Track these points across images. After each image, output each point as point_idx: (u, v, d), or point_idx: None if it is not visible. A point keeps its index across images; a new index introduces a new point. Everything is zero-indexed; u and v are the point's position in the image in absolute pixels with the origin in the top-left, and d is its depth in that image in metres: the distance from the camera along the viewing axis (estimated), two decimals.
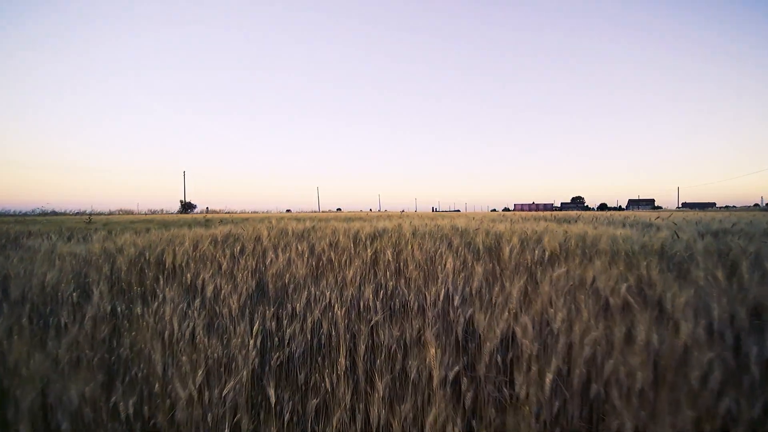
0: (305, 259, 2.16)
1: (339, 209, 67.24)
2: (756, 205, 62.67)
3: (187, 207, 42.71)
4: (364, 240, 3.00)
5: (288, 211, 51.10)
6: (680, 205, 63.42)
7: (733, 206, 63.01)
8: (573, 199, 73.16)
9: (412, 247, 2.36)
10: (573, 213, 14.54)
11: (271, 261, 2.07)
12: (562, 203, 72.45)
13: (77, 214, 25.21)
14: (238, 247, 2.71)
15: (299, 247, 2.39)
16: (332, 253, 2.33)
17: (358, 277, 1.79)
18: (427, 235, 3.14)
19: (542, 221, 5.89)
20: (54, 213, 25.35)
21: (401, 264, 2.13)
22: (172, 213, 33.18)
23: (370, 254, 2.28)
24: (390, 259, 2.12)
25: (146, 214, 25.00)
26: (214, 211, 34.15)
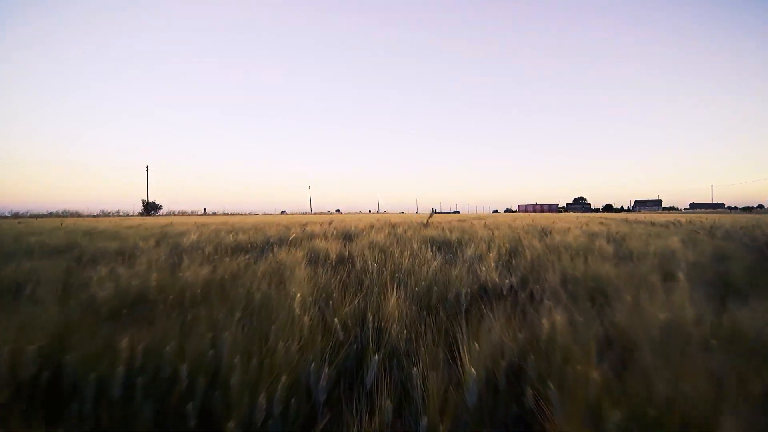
0: None
1: (338, 210, 65.75)
2: (760, 206, 61.87)
3: (150, 208, 36.49)
4: None
5: (283, 212, 49.68)
6: (688, 206, 62.40)
7: (735, 207, 62.81)
8: (575, 199, 71.91)
9: None
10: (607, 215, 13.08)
11: None
12: (567, 204, 71.27)
13: None
14: None
15: None
16: None
17: None
18: None
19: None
20: None
21: None
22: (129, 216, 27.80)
23: None
24: None
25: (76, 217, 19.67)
26: (187, 213, 31.23)
